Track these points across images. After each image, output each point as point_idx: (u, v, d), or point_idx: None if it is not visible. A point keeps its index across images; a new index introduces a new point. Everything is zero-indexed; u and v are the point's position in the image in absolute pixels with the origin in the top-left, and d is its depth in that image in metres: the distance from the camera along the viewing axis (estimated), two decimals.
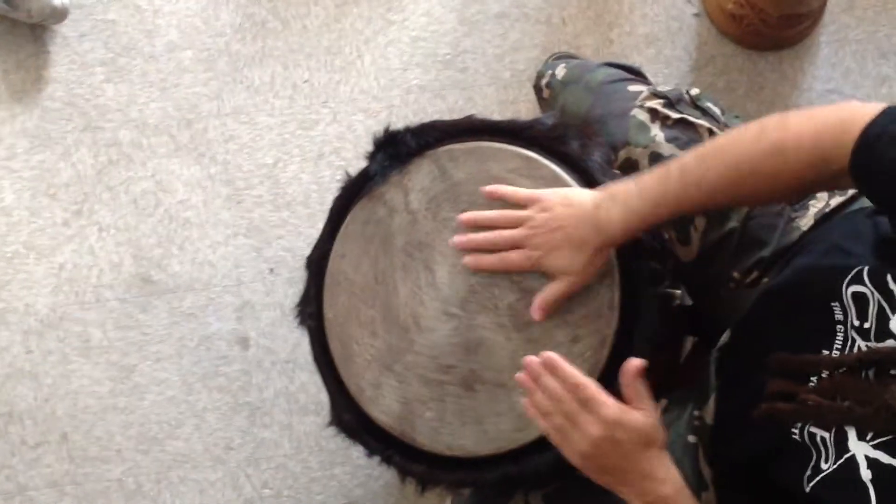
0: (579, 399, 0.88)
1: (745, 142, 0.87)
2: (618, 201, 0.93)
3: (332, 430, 1.11)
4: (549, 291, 0.97)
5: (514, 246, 0.98)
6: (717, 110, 1.11)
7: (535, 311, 0.98)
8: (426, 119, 1.10)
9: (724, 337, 1.00)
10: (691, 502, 0.88)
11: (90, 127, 1.63)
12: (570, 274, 0.96)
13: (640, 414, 0.89)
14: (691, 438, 1.00)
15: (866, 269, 0.79)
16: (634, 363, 0.90)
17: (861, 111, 0.80)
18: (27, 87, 1.63)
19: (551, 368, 0.90)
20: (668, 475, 0.88)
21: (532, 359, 0.92)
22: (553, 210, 0.96)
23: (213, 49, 1.65)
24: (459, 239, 1.01)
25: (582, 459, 0.90)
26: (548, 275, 0.97)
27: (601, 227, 0.93)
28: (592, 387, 0.89)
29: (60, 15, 1.58)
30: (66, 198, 1.63)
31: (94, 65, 1.64)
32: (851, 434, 0.75)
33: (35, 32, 1.63)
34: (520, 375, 0.93)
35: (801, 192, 0.93)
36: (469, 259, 1.01)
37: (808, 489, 0.77)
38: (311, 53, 1.66)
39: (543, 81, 1.28)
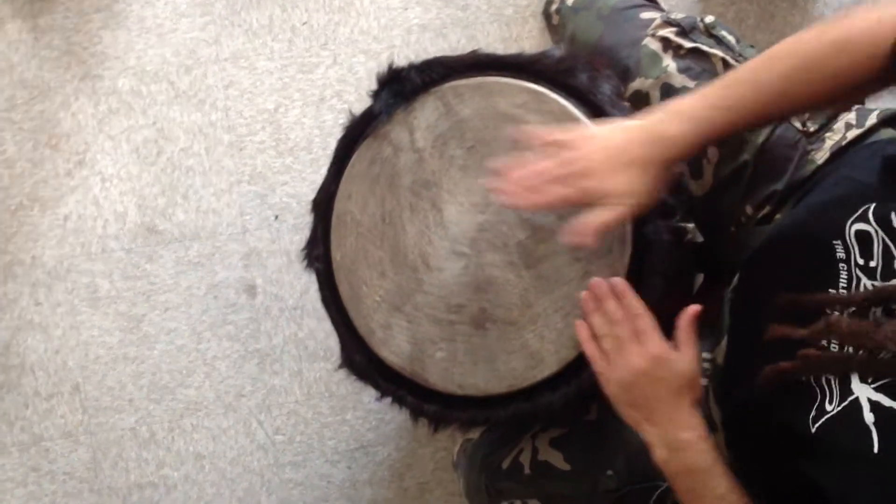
0: (634, 328, 0.91)
1: (809, 40, 0.84)
2: (683, 115, 0.87)
3: (342, 375, 1.10)
4: (606, 215, 0.87)
5: (558, 180, 0.89)
6: (731, 39, 1.08)
7: (588, 237, 0.88)
8: None
9: (736, 278, 0.99)
10: (710, 452, 0.88)
11: (89, 75, 1.61)
12: (633, 196, 0.88)
13: (685, 359, 0.91)
14: (701, 381, 1.00)
15: (872, 206, 0.77)
16: (695, 308, 0.93)
17: None
18: (23, 36, 1.61)
19: (619, 293, 0.93)
20: (693, 423, 0.89)
21: (600, 281, 0.94)
22: (599, 135, 0.90)
23: None
24: (501, 183, 0.91)
25: (618, 388, 0.91)
26: (603, 202, 0.88)
27: (667, 142, 0.87)
28: (650, 320, 0.91)
29: None
30: (67, 148, 1.61)
31: (89, 12, 1.61)
32: (855, 376, 0.75)
33: None
34: (584, 294, 0.95)
35: (868, 89, 0.89)
36: (512, 198, 0.91)
37: (813, 430, 0.77)
38: None
39: (553, 7, 1.25)
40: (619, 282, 0.93)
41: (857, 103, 1.03)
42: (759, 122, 0.97)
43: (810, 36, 0.84)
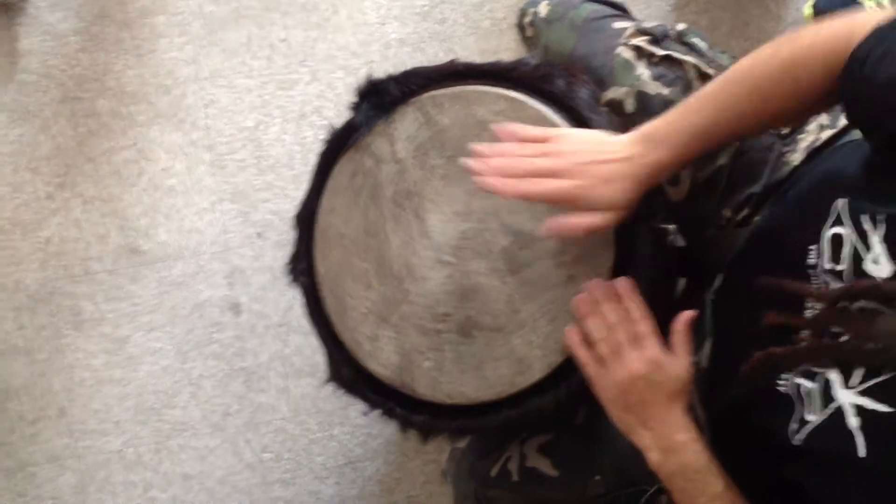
0: (632, 332, 0.90)
1: (762, 61, 0.86)
2: (651, 141, 0.90)
3: (328, 391, 1.10)
4: (594, 220, 0.89)
5: (552, 175, 0.89)
6: (703, 45, 1.09)
7: (578, 233, 0.89)
8: None
9: (718, 280, 1.00)
10: (704, 453, 0.88)
11: (68, 98, 1.61)
12: (616, 208, 0.89)
13: (681, 363, 0.90)
14: None
15: (846, 202, 0.77)
16: (689, 313, 0.92)
17: (866, 20, 0.78)
18: (0, 60, 1.60)
19: (621, 295, 0.92)
20: (686, 425, 0.89)
21: (598, 282, 0.93)
22: (598, 143, 0.91)
23: (186, 12, 1.62)
24: (495, 163, 0.90)
25: (614, 393, 0.91)
26: (586, 207, 0.89)
27: (643, 165, 0.89)
28: (650, 325, 0.90)
29: None
30: (47, 171, 1.60)
31: (67, 34, 1.61)
32: (836, 383, 0.75)
33: (4, 5, 1.60)
34: (579, 297, 0.94)
35: (823, 106, 0.91)
36: (499, 183, 0.89)
37: (795, 442, 0.77)
38: (287, 11, 1.63)
39: (526, 20, 1.26)
40: (624, 282, 0.93)
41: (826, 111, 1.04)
42: (727, 142, 0.99)
43: (765, 55, 0.86)
